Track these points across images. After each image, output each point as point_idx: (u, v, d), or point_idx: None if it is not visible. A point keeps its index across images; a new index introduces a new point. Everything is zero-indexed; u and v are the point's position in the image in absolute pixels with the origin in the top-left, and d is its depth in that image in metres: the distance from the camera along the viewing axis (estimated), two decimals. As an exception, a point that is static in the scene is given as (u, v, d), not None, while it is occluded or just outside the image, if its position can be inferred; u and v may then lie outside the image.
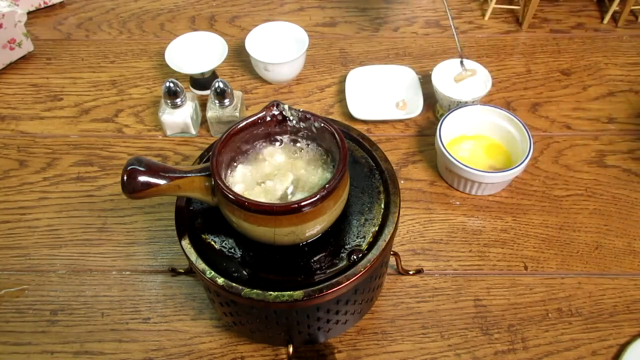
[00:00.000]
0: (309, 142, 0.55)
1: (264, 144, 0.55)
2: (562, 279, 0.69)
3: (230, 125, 0.52)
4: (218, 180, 0.47)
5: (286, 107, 0.52)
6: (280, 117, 0.53)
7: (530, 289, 0.68)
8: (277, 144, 0.55)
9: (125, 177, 0.46)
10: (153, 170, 0.47)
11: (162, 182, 0.47)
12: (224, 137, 0.51)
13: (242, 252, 0.53)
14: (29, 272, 0.70)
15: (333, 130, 0.51)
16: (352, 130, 0.61)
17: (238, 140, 0.53)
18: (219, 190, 0.48)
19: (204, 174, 0.49)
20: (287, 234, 0.49)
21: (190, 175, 0.49)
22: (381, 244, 0.51)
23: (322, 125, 0.52)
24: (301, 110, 0.53)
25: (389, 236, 0.52)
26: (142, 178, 0.46)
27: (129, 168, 0.46)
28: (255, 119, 0.52)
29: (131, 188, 0.46)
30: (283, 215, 0.47)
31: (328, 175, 0.53)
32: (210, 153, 0.50)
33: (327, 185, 0.47)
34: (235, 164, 0.54)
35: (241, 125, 0.52)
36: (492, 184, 0.74)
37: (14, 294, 0.68)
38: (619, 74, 0.93)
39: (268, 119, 0.53)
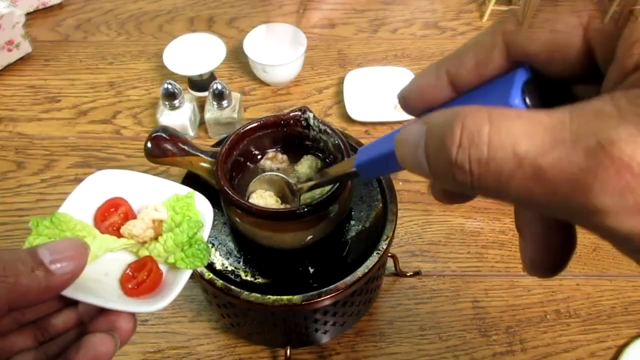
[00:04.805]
0: (319, 152, 0.55)
1: (275, 147, 0.55)
2: (560, 280, 0.69)
3: (250, 121, 0.52)
4: (221, 180, 0.47)
5: (311, 115, 0.52)
6: (304, 123, 0.53)
7: (529, 290, 0.68)
8: (288, 149, 0.55)
9: (149, 143, 0.50)
10: (174, 141, 0.50)
11: (177, 152, 0.50)
12: (240, 131, 0.51)
13: (241, 254, 0.53)
14: (27, 274, 0.70)
15: (344, 149, 0.50)
16: (350, 138, 0.60)
17: (253, 139, 0.53)
18: (221, 192, 0.48)
19: (213, 158, 0.50)
20: (289, 239, 0.49)
21: (201, 155, 0.50)
22: (379, 250, 0.51)
23: (337, 142, 0.51)
24: (323, 122, 0.52)
25: (386, 243, 0.52)
26: (164, 145, 0.50)
27: (154, 135, 0.50)
28: (275, 119, 0.52)
29: (151, 152, 0.50)
30: (285, 221, 0.47)
31: None
32: (221, 145, 0.50)
33: (329, 193, 0.47)
34: (246, 164, 0.54)
35: (254, 124, 0.52)
36: (491, 185, 0.74)
37: (11, 296, 0.68)
38: (617, 75, 0.93)
39: (291, 121, 0.53)
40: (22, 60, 0.96)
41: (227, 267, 0.51)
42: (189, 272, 0.35)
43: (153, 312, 0.35)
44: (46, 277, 0.28)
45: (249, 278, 0.51)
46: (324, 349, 0.63)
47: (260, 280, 0.51)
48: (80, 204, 0.37)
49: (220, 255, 0.52)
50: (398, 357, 0.63)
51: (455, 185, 0.19)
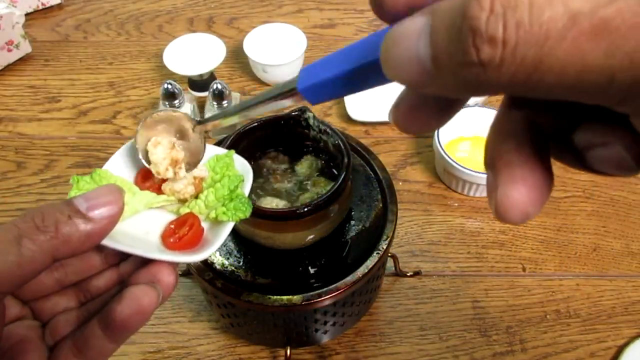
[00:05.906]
0: (320, 153, 0.55)
1: (275, 147, 0.55)
2: (560, 280, 0.69)
3: (250, 121, 0.51)
4: None
5: (311, 115, 0.52)
6: (304, 123, 0.53)
7: (529, 290, 0.68)
8: (288, 149, 0.55)
9: None
10: None
11: None
12: (241, 131, 0.50)
13: (241, 254, 0.53)
14: (27, 274, 0.70)
15: (344, 149, 0.50)
16: (351, 139, 0.60)
17: (253, 139, 0.53)
18: None
19: None
20: (288, 239, 0.49)
21: None
22: (379, 250, 0.51)
23: (337, 142, 0.51)
24: (323, 122, 0.52)
25: (386, 243, 0.52)
26: None
27: None
28: (275, 119, 0.52)
29: None
30: (285, 221, 0.47)
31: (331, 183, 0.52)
32: (221, 145, 0.50)
33: (329, 193, 0.47)
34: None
35: (254, 125, 0.51)
36: (490, 185, 0.74)
37: (11, 296, 0.68)
38: (617, 75, 0.93)
39: (291, 121, 0.52)
40: (22, 60, 0.96)
41: (227, 267, 0.51)
42: (230, 225, 0.35)
43: (194, 262, 0.35)
44: (85, 224, 0.28)
45: (249, 278, 0.51)
46: (324, 349, 0.63)
47: (260, 280, 0.51)
48: (121, 165, 0.37)
49: (220, 255, 0.52)
50: (398, 357, 0.63)
51: (467, 74, 0.15)
